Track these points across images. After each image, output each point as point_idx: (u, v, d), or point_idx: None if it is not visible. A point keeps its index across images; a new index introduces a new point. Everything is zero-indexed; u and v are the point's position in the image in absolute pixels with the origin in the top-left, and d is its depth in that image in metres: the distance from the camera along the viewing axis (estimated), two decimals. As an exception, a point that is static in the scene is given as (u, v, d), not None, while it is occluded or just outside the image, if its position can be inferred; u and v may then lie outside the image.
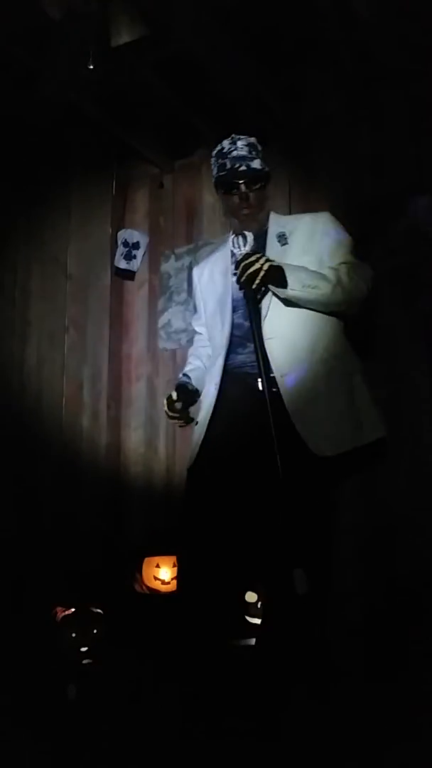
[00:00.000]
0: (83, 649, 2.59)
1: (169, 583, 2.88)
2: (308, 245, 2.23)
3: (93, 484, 3.56)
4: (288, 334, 2.12)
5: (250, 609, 2.76)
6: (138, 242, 3.74)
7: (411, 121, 3.08)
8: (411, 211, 3.00)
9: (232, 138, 2.28)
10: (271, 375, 2.06)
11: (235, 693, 2.17)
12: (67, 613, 2.68)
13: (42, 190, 3.99)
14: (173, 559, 2.86)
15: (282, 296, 2.10)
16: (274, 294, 2.11)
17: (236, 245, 2.16)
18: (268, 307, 2.14)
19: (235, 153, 2.24)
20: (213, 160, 2.31)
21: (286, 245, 2.23)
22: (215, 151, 2.31)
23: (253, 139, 2.30)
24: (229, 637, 2.37)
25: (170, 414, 2.28)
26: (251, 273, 2.05)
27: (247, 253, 2.10)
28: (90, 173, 3.86)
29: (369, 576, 2.90)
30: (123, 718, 2.15)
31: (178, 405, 2.26)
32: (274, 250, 2.21)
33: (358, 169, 3.17)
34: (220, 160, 2.26)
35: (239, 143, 2.26)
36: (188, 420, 2.28)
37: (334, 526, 2.25)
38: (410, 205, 3.00)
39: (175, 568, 2.84)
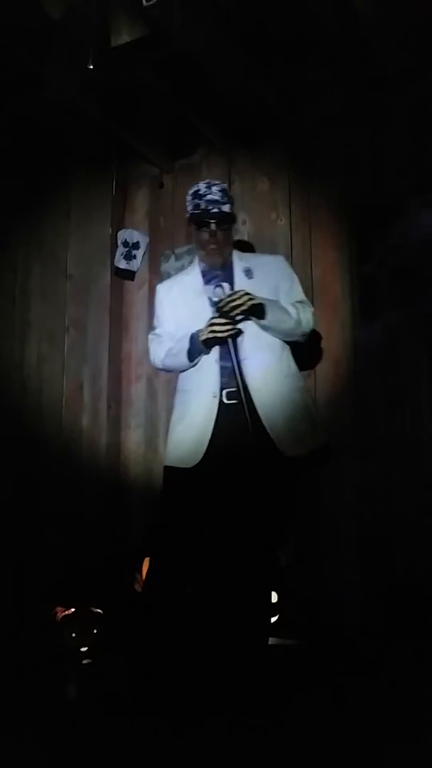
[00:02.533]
0: (83, 649, 2.59)
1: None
2: (269, 281, 2.62)
3: (93, 484, 3.56)
4: (257, 356, 2.51)
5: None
6: (138, 242, 3.74)
7: (411, 121, 3.08)
8: (411, 211, 3.00)
9: (208, 183, 2.61)
10: (248, 388, 2.46)
11: (235, 690, 2.18)
12: (67, 613, 2.68)
13: (42, 190, 3.99)
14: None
15: (259, 325, 2.49)
16: (256, 323, 2.49)
17: (215, 295, 2.49)
18: (243, 335, 2.50)
19: (210, 196, 2.55)
20: (189, 198, 2.60)
21: (252, 279, 2.61)
22: (192, 191, 2.60)
23: (225, 186, 2.63)
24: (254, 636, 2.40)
25: (225, 327, 2.44)
26: (234, 305, 2.43)
27: (232, 292, 2.45)
28: (90, 173, 3.86)
29: (369, 576, 2.90)
30: (123, 718, 2.15)
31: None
32: (242, 282, 2.57)
33: (358, 169, 3.18)
34: (195, 200, 2.57)
35: (214, 188, 2.58)
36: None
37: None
38: (410, 206, 3.01)
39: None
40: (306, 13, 2.75)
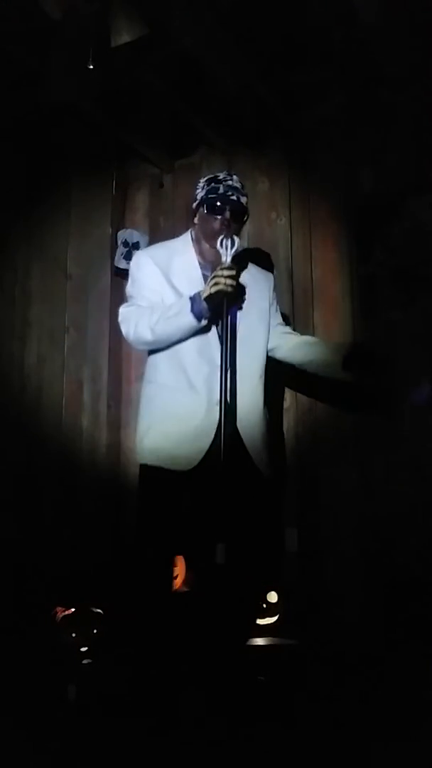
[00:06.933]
0: (83, 649, 2.59)
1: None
2: (260, 303, 2.46)
3: (93, 483, 3.56)
4: (244, 363, 2.34)
5: (269, 609, 2.76)
6: (138, 242, 3.74)
7: (411, 121, 3.08)
8: (411, 211, 3.00)
9: (228, 172, 2.47)
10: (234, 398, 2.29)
11: (233, 693, 2.18)
12: (67, 613, 2.68)
13: (42, 190, 3.99)
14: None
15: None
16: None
17: (222, 245, 2.26)
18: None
19: (230, 182, 2.37)
20: (203, 183, 2.41)
21: (245, 297, 2.38)
22: (207, 178, 2.43)
23: (242, 184, 2.45)
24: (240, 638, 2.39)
25: (231, 279, 2.21)
26: (220, 285, 2.20)
27: (224, 266, 2.22)
28: (90, 173, 3.86)
29: (369, 576, 2.90)
30: (123, 718, 2.15)
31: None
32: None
33: (358, 169, 3.18)
34: (212, 184, 2.38)
35: (234, 177, 2.42)
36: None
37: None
38: (410, 206, 3.01)
39: (176, 568, 2.84)
40: (306, 12, 2.75)
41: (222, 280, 2.19)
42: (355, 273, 3.14)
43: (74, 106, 3.31)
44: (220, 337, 2.25)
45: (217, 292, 2.19)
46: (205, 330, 2.29)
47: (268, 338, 2.48)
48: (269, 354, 2.49)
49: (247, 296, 2.36)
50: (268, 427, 2.43)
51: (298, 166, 3.36)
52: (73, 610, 2.69)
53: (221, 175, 2.41)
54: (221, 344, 2.22)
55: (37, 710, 2.24)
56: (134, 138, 3.55)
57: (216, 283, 2.19)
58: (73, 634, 2.61)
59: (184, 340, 2.31)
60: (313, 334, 3.20)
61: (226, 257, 2.24)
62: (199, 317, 2.23)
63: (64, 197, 3.94)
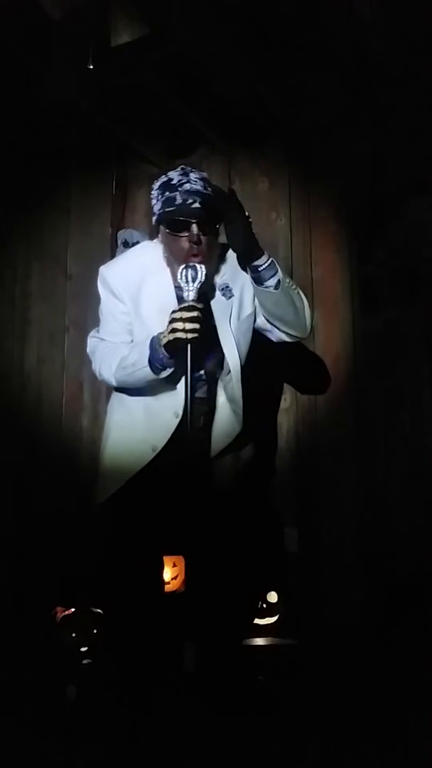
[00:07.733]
0: (83, 649, 2.59)
1: (169, 583, 2.87)
2: (247, 290, 2.14)
3: (93, 484, 3.56)
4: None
5: (269, 609, 2.76)
6: (138, 242, 3.73)
7: (411, 121, 3.08)
8: (411, 211, 3.01)
9: (183, 169, 2.02)
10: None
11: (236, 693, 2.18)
12: (67, 613, 2.68)
13: (42, 189, 3.98)
14: (173, 559, 2.85)
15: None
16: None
17: (183, 277, 1.91)
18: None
19: (188, 186, 1.95)
20: (156, 192, 2.02)
21: (232, 297, 2.11)
22: (160, 183, 2.03)
23: (205, 174, 2.07)
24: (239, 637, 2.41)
25: (192, 322, 1.86)
26: (176, 334, 1.88)
27: (184, 305, 1.90)
28: (90, 173, 3.86)
29: (369, 576, 2.90)
30: (123, 718, 2.15)
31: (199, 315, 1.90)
32: (219, 304, 2.07)
33: (358, 169, 3.18)
34: (167, 194, 1.97)
35: (192, 175, 1.99)
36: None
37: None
38: (410, 206, 3.01)
39: (175, 568, 2.85)
40: (306, 12, 2.75)
41: (180, 325, 1.85)
42: (355, 273, 3.14)
43: (74, 106, 3.30)
44: (186, 386, 1.91)
45: (176, 340, 1.86)
46: (173, 375, 2.01)
47: (250, 341, 2.22)
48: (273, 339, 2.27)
49: (235, 299, 2.09)
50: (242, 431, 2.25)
51: (298, 166, 3.37)
52: (73, 610, 2.69)
53: (175, 178, 1.99)
54: (186, 392, 1.89)
55: (37, 710, 2.24)
56: (134, 138, 3.55)
57: (173, 330, 1.86)
58: (73, 634, 2.61)
59: (152, 385, 2.05)
60: (313, 334, 3.21)
61: (189, 293, 1.89)
62: (158, 368, 1.94)
63: (64, 197, 3.94)
